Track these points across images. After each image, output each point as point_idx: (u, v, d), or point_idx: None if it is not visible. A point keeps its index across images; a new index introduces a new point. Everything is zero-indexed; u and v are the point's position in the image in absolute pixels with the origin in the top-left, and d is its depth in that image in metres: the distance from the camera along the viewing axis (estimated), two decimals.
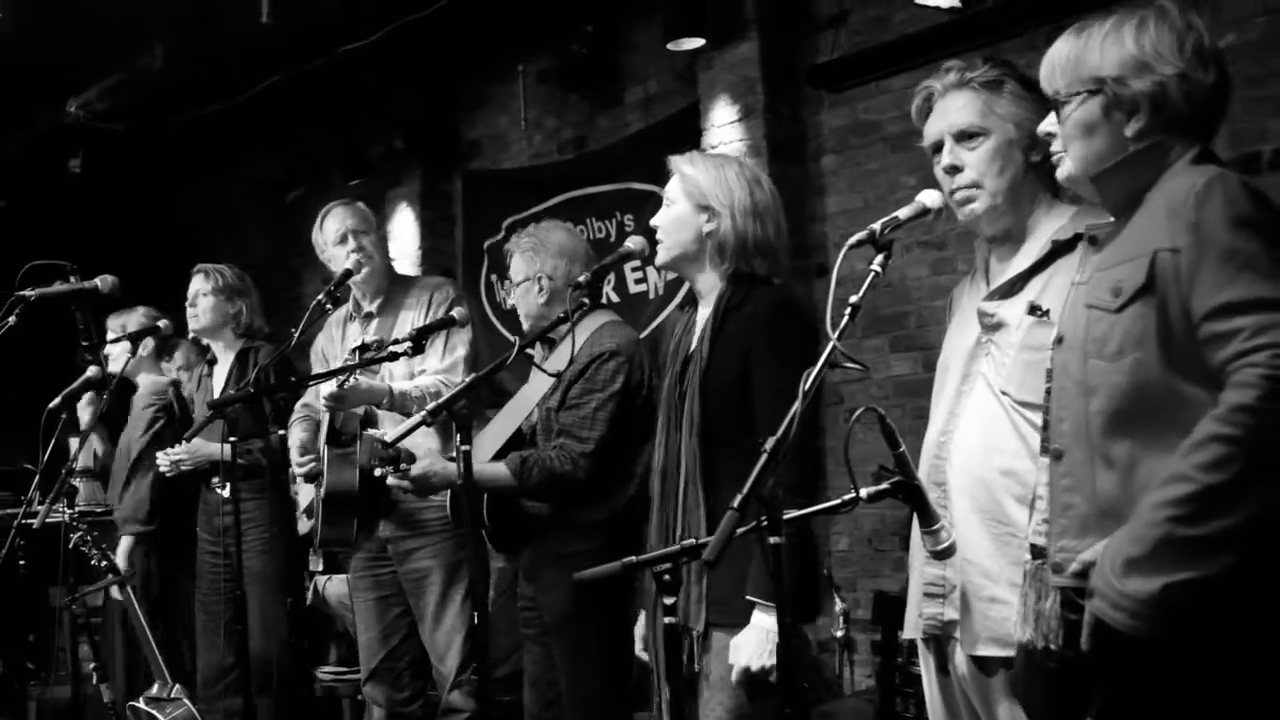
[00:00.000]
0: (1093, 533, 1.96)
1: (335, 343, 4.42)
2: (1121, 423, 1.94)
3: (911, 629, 2.55)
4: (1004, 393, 2.38)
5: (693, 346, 3.02)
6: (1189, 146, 2.03)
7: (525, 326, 3.83)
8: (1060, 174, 2.16)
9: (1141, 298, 1.92)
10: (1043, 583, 2.07)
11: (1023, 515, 2.32)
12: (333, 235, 4.31)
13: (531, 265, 3.75)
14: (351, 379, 3.81)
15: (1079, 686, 1.97)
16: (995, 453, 2.38)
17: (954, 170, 2.49)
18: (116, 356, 5.25)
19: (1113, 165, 2.04)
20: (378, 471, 3.56)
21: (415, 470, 3.46)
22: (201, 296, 4.95)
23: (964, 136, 2.48)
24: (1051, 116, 2.15)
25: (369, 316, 4.33)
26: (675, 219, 3.03)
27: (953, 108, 2.50)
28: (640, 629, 3.22)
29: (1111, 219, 2.11)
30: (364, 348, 3.75)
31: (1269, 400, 1.77)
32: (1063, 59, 2.10)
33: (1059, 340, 2.08)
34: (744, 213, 2.96)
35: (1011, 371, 2.38)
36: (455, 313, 3.79)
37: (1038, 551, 2.09)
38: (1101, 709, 1.94)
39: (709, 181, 2.99)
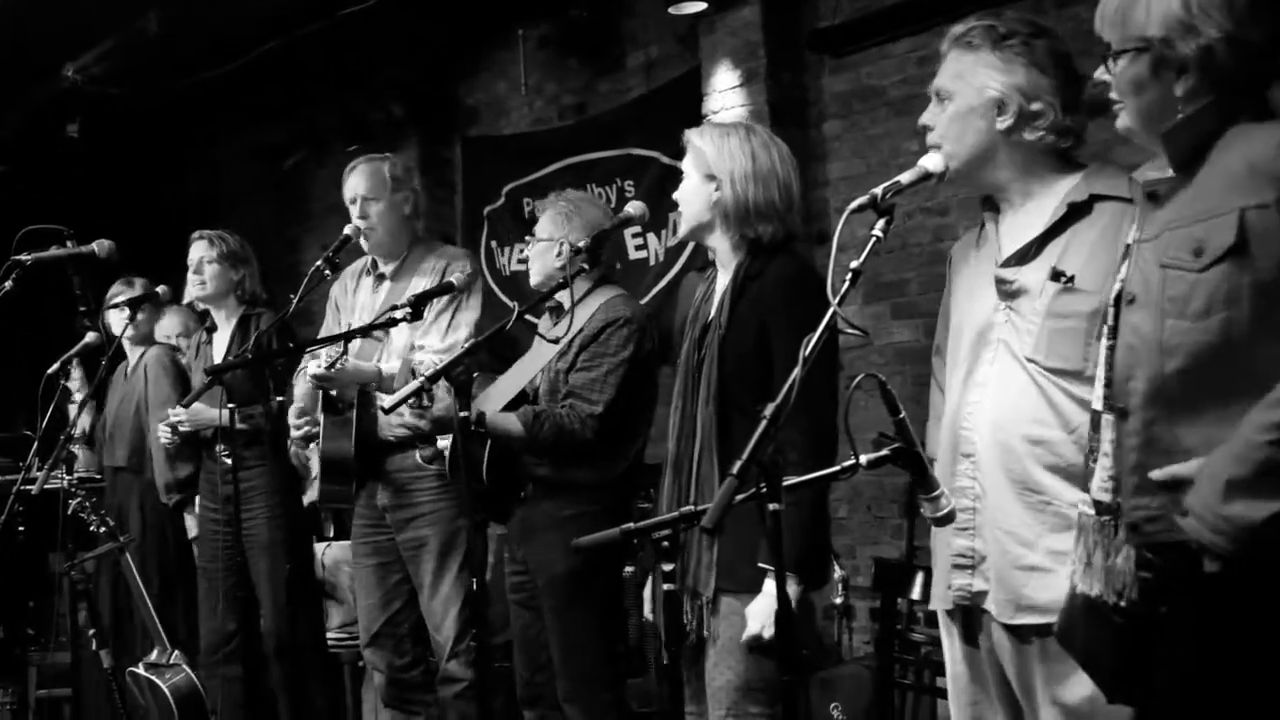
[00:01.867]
0: (1172, 489, 1.94)
1: (349, 294, 4.37)
2: (1205, 381, 1.92)
3: (939, 601, 2.54)
4: (1030, 360, 2.37)
5: (712, 314, 3.06)
6: (1248, 100, 1.99)
7: (534, 282, 3.84)
8: (1119, 125, 2.12)
9: (1231, 257, 1.89)
10: (1111, 539, 2.05)
11: (1054, 483, 2.32)
12: (346, 196, 4.26)
13: (560, 228, 3.77)
14: (340, 362, 3.79)
15: (1149, 639, 1.97)
16: (1024, 422, 2.36)
17: (926, 128, 2.49)
18: (118, 324, 5.27)
19: (1177, 124, 2.01)
20: (405, 414, 3.54)
21: (436, 410, 3.47)
22: (207, 264, 4.91)
23: (940, 97, 2.48)
24: (1103, 67, 2.10)
25: (381, 278, 4.29)
26: (688, 191, 3.09)
27: (942, 67, 2.50)
28: (649, 591, 3.24)
29: (1167, 173, 2.07)
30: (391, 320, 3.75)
31: None
32: (1111, 11, 2.05)
33: (1131, 300, 2.05)
34: (744, 178, 3.00)
35: (1038, 338, 2.36)
36: (454, 278, 3.77)
37: (1103, 508, 2.08)
38: (1176, 660, 1.94)
39: (712, 150, 3.04)
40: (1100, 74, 2.10)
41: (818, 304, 2.89)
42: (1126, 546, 2.01)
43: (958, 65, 2.45)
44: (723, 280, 3.08)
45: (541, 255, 3.80)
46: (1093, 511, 2.10)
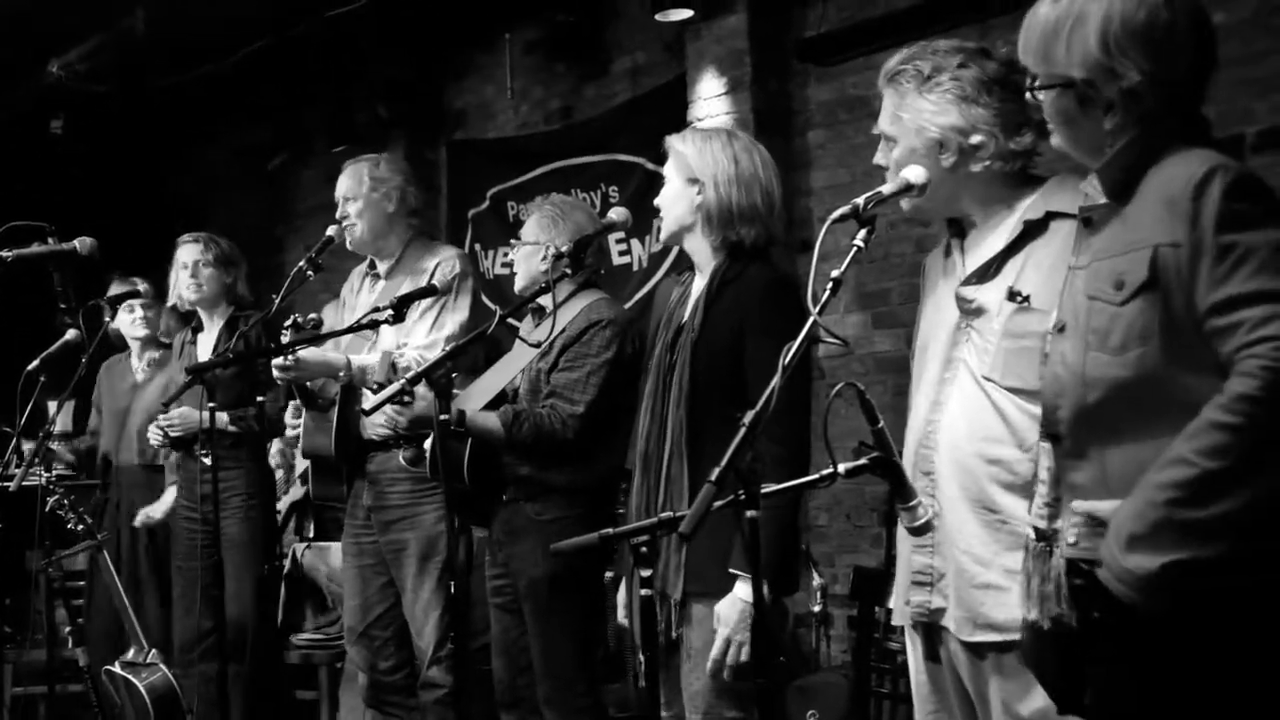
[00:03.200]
0: (1093, 523, 1.99)
1: (354, 293, 4.38)
2: (1125, 414, 1.96)
3: (899, 617, 2.57)
4: (987, 378, 2.38)
5: (685, 316, 3.06)
6: (1177, 125, 2.02)
7: (518, 285, 3.84)
8: (1053, 143, 2.16)
9: (1144, 293, 1.92)
10: (1045, 563, 2.08)
11: (1010, 502, 2.33)
12: (336, 197, 4.27)
13: (547, 232, 3.76)
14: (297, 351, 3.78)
15: (1084, 653, 2.01)
16: (981, 440, 2.38)
17: (883, 169, 2.52)
18: (126, 324, 5.30)
19: (1109, 159, 2.03)
20: (387, 410, 3.53)
21: (417, 408, 3.45)
22: (202, 267, 4.92)
23: (886, 139, 2.51)
24: (1029, 94, 2.13)
25: (376, 277, 4.30)
26: (670, 195, 3.10)
27: (882, 108, 2.52)
28: (622, 595, 3.24)
29: (1102, 200, 2.10)
30: (297, 325, 3.73)
31: (1269, 390, 1.80)
32: (1034, 44, 2.07)
33: (1060, 328, 2.08)
34: (727, 181, 3.01)
35: (995, 358, 2.38)
36: (436, 280, 3.77)
37: (1040, 534, 2.11)
38: (1103, 675, 1.99)
39: (694, 154, 3.06)
40: (1029, 98, 2.13)
41: (794, 311, 2.92)
42: (1060, 565, 2.04)
43: (894, 107, 2.48)
44: (699, 284, 3.09)
45: (527, 259, 3.80)
46: (1033, 537, 2.13)
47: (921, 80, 2.44)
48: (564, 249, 3.30)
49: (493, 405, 3.64)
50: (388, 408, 3.41)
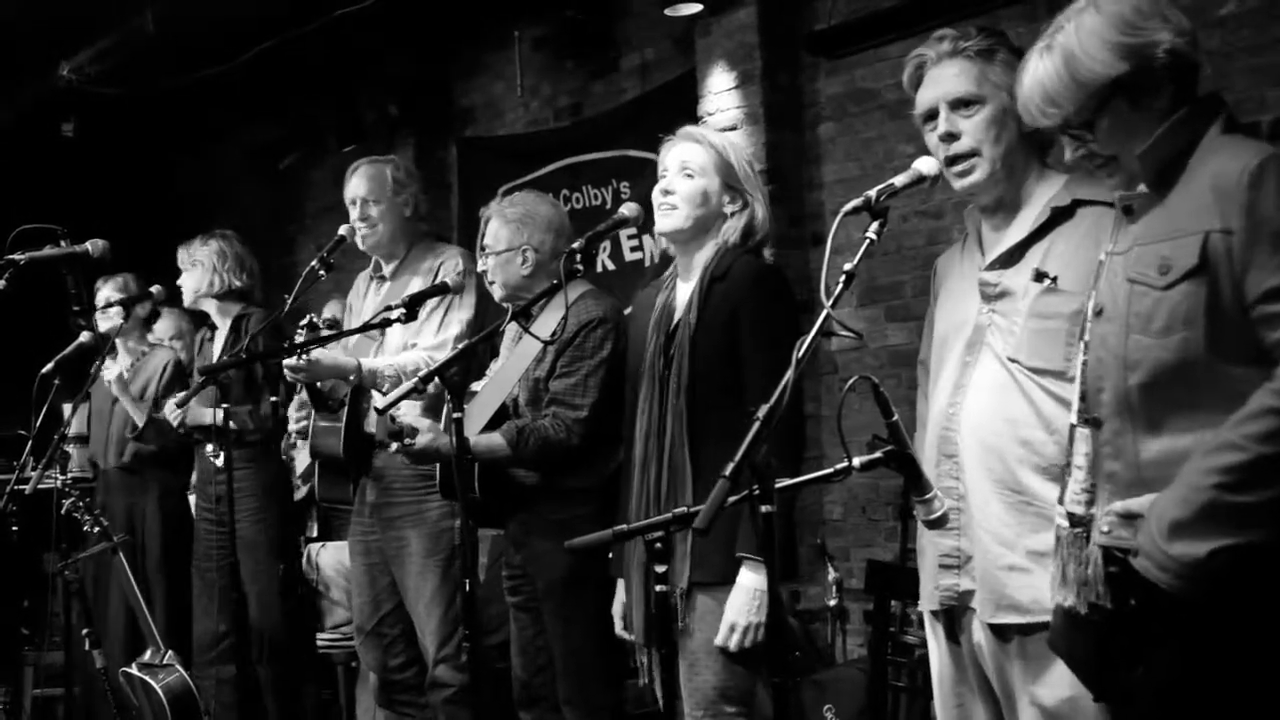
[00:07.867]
0: (1129, 520, 1.99)
1: (360, 297, 4.38)
2: (1165, 397, 1.97)
3: (927, 601, 2.57)
4: (1013, 360, 2.39)
5: (678, 317, 3.05)
6: (1211, 110, 2.04)
7: (499, 295, 3.79)
8: (1115, 186, 2.15)
9: (1192, 278, 1.94)
10: (1082, 550, 2.08)
11: (1036, 483, 2.34)
12: (347, 197, 4.25)
13: (518, 236, 3.71)
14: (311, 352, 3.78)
15: (1124, 639, 2.01)
16: (1007, 422, 2.39)
17: (950, 137, 2.47)
18: (105, 325, 5.28)
19: (1152, 143, 2.04)
20: (392, 448, 3.55)
21: (419, 444, 3.45)
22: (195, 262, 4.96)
23: (960, 104, 2.48)
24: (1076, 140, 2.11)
25: (382, 279, 4.29)
26: (701, 192, 3.04)
27: (947, 76, 2.50)
28: (619, 606, 3.23)
29: (1141, 189, 2.10)
30: (313, 325, 3.72)
31: None
32: (1055, 86, 2.07)
33: (1099, 312, 2.09)
34: (767, 201, 3.06)
35: (1020, 339, 2.39)
36: (449, 279, 3.76)
37: (1076, 520, 2.11)
38: (1144, 663, 1.98)
39: (741, 164, 3.05)
40: (1073, 152, 2.12)
41: (783, 299, 2.99)
42: (1096, 552, 2.04)
43: (980, 71, 2.47)
44: (686, 286, 3.08)
45: (504, 266, 3.73)
46: (1067, 524, 2.12)
47: (1010, 46, 2.48)
48: (576, 245, 3.21)
49: (494, 420, 3.60)
50: (393, 449, 3.43)
